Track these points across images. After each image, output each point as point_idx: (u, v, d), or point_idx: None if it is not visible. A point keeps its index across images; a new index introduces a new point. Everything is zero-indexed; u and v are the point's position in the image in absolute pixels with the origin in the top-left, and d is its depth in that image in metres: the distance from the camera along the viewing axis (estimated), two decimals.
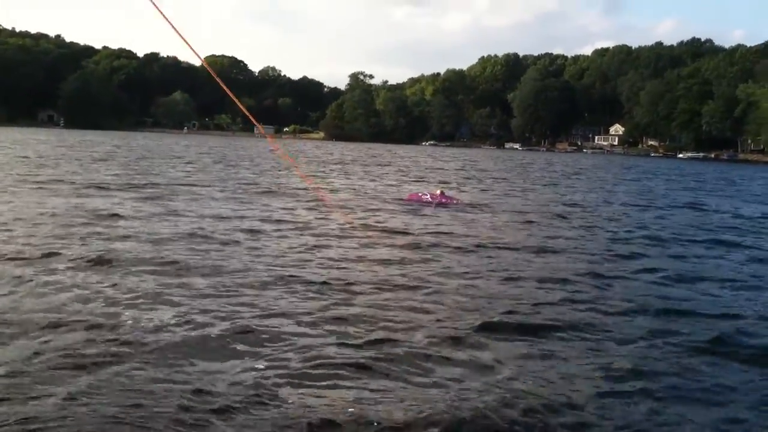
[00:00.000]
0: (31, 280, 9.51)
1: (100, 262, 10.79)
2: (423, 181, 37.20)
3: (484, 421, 5.75)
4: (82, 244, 12.32)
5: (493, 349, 7.65)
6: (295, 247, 13.31)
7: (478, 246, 14.46)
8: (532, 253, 13.99)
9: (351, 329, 8.03)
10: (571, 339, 8.11)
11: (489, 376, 6.78)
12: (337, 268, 11.40)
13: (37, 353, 6.71)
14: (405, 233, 16.09)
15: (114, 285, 9.46)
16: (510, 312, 9.14)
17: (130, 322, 7.85)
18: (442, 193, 24.13)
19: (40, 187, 22.48)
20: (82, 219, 15.60)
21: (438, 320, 8.58)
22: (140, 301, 8.77)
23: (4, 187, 21.89)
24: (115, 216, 16.37)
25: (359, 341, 7.59)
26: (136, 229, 14.48)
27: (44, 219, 15.28)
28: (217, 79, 10.85)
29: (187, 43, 9.64)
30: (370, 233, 15.68)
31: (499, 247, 14.49)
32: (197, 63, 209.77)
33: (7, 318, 7.77)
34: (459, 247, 14.18)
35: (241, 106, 12.96)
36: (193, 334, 7.56)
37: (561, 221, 20.60)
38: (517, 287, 10.69)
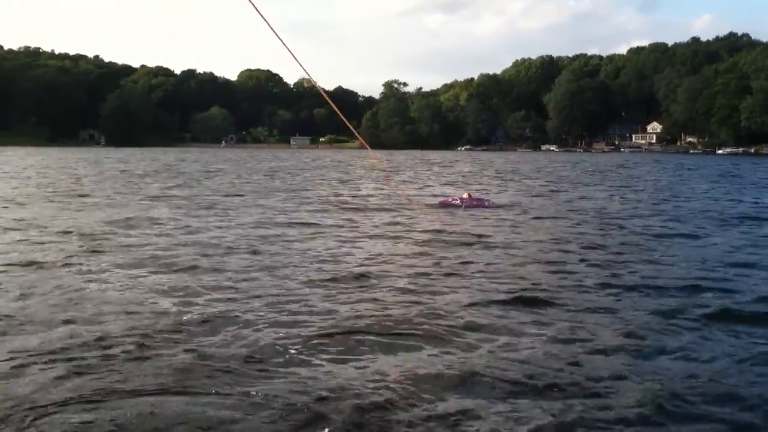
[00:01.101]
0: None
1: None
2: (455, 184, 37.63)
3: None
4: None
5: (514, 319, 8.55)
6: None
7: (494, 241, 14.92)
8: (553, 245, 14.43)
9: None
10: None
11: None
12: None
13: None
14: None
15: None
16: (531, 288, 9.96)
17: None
18: (469, 195, 24.58)
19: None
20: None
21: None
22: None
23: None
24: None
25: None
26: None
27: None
28: (327, 99, 11.44)
29: (298, 62, 10.06)
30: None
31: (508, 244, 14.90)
32: (233, 78, 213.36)
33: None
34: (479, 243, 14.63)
35: (348, 125, 13.56)
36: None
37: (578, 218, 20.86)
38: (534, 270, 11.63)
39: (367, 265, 12.29)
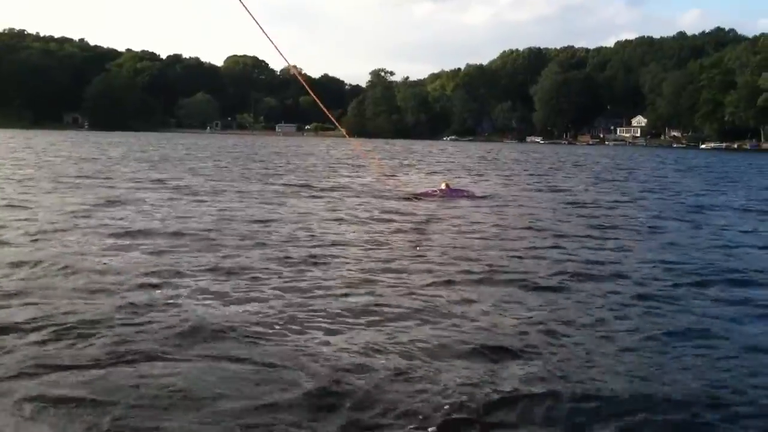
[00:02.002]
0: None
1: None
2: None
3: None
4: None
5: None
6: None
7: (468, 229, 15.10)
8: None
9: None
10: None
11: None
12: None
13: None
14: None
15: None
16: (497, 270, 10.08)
17: None
18: (447, 185, 24.68)
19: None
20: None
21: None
22: None
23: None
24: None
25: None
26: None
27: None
28: (306, 86, 11.53)
29: (277, 49, 10.14)
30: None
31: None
32: (219, 63, 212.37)
33: None
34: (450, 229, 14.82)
35: (328, 113, 13.61)
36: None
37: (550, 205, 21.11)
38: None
39: (327, 247, 12.54)
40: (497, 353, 6.76)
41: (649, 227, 16.96)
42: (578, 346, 7.10)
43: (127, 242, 12.27)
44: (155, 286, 9.06)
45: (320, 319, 7.75)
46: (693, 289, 9.90)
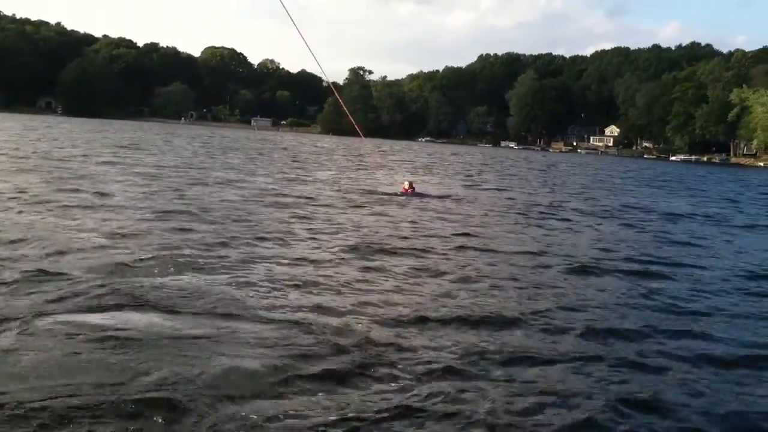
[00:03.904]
0: None
1: None
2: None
3: None
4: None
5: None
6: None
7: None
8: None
9: None
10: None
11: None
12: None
13: None
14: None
15: None
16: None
17: None
18: (410, 184, 25.12)
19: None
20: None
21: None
22: None
23: None
24: None
25: None
26: None
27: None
28: (337, 95, 11.65)
29: (312, 52, 10.32)
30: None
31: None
32: (196, 54, 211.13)
33: None
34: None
35: (354, 122, 13.83)
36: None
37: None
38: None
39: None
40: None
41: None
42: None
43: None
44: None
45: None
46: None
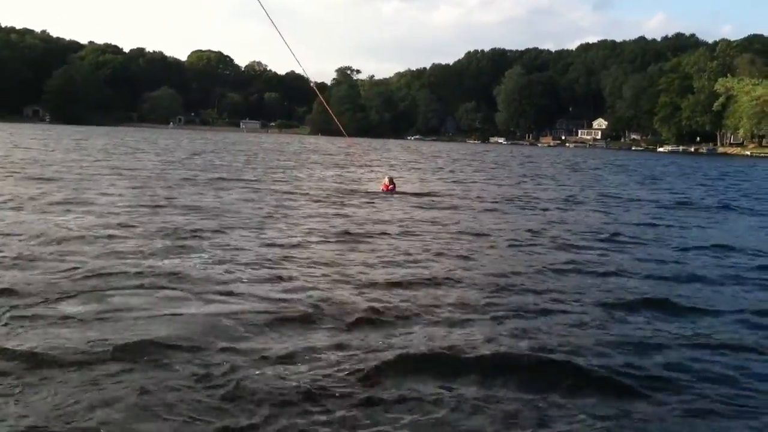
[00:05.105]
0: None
1: None
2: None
3: None
4: None
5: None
6: None
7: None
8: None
9: None
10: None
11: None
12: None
13: None
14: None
15: None
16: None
17: None
18: (391, 180, 25.42)
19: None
20: None
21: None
22: None
23: None
24: None
25: None
26: None
27: None
28: (319, 95, 11.87)
29: (294, 54, 10.53)
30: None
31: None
32: (183, 58, 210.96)
33: None
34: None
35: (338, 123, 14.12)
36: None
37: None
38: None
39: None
40: None
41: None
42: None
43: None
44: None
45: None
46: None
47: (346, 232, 14.13)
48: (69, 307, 7.69)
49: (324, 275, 9.95)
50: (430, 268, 10.85)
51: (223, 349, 6.55)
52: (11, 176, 24.00)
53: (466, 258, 12.01)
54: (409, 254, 12.04)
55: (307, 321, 7.64)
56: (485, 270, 10.95)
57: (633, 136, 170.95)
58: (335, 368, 6.20)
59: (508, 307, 8.64)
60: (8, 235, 11.93)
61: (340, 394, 5.66)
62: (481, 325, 7.80)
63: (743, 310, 9.04)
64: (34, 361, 6.05)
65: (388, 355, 6.55)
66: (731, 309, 9.10)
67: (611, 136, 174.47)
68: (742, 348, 7.41)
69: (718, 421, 5.59)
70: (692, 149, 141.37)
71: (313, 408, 5.40)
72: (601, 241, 14.77)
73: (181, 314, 7.61)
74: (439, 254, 12.20)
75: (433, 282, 9.85)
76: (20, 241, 11.41)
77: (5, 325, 7.02)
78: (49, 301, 7.90)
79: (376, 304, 8.37)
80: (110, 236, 12.25)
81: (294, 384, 5.76)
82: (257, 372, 6.03)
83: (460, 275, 10.40)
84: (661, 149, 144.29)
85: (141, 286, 8.74)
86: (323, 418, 5.24)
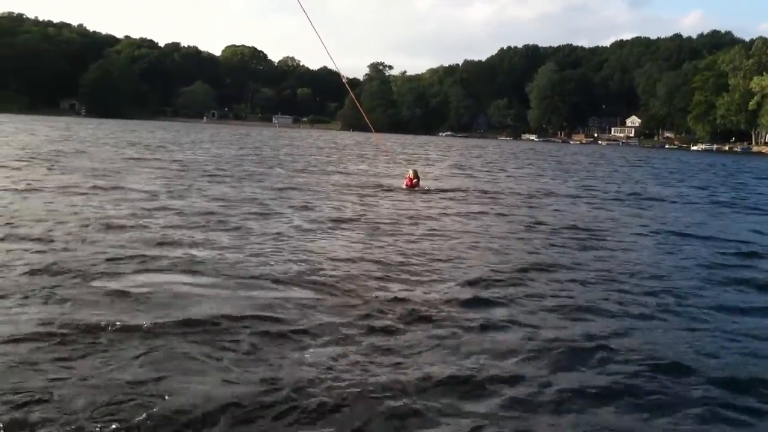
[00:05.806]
0: None
1: None
2: None
3: None
4: None
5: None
6: None
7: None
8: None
9: None
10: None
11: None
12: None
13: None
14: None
15: None
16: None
17: None
18: (415, 173, 25.44)
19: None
20: None
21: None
22: None
23: None
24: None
25: None
26: None
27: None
28: (349, 90, 12.32)
29: (326, 48, 11.01)
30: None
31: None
32: (217, 53, 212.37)
33: None
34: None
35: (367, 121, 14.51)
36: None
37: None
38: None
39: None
40: None
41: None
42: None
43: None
44: None
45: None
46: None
47: (371, 224, 14.63)
48: (115, 284, 8.28)
49: (354, 268, 10.14)
50: (470, 268, 10.65)
51: (257, 333, 6.89)
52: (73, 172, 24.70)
53: (502, 252, 12.08)
54: (451, 251, 11.99)
55: (339, 314, 7.76)
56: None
57: (666, 134, 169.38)
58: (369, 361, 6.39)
59: (574, 305, 8.66)
60: (61, 222, 12.51)
61: (373, 389, 5.71)
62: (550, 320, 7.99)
63: None
64: (90, 331, 6.59)
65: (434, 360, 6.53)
66: None
67: (644, 134, 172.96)
68: None
69: None
70: (726, 148, 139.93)
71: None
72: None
73: (218, 296, 8.09)
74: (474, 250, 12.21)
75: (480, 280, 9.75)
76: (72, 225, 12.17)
77: (60, 300, 7.56)
78: (98, 277, 8.54)
79: (419, 304, 8.30)
80: (162, 225, 12.91)
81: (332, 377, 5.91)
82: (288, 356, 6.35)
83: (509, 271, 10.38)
84: (694, 147, 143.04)
85: (179, 269, 9.30)
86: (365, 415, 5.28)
